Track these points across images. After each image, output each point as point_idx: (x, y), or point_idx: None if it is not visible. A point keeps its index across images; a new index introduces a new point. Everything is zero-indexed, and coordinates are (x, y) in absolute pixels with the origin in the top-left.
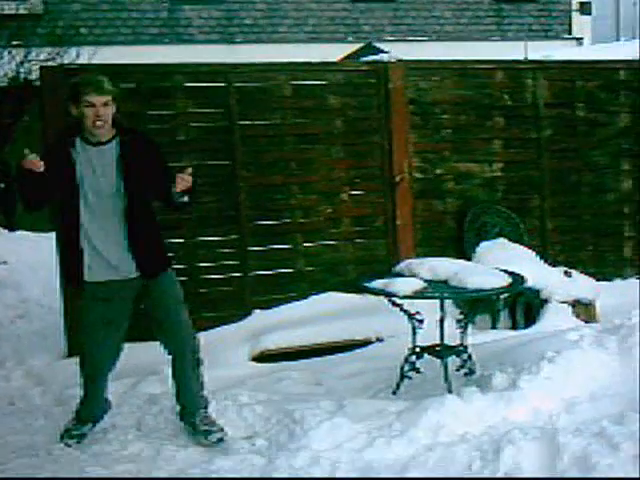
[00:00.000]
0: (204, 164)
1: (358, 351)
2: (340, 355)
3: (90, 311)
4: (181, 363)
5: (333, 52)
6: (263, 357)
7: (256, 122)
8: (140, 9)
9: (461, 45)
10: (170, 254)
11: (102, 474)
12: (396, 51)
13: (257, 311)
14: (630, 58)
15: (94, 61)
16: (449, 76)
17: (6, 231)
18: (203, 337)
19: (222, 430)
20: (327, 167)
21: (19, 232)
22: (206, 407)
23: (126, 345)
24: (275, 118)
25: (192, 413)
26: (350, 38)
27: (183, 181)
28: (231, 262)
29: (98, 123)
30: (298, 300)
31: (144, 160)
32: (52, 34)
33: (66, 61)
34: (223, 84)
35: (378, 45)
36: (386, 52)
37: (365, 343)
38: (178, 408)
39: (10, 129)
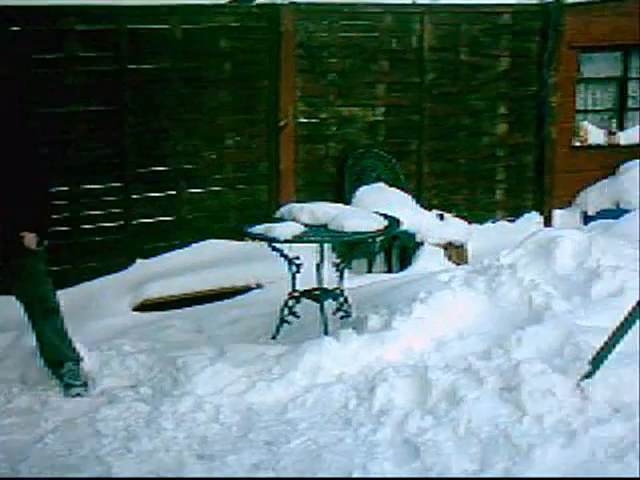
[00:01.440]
0: (90, 110)
1: (239, 298)
2: (221, 302)
3: None
4: (30, 314)
5: None
6: (145, 306)
7: (145, 66)
8: None
9: None
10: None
11: None
12: None
13: (139, 260)
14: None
15: None
16: (339, 19)
17: None
18: (86, 287)
19: (84, 385)
20: (214, 112)
21: None
22: (72, 359)
23: (9, 298)
24: (165, 61)
25: (56, 364)
26: None
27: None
28: (115, 210)
29: None
30: (181, 248)
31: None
32: None
33: None
34: (114, 26)
35: None
36: None
37: (245, 289)
38: (42, 358)
39: None
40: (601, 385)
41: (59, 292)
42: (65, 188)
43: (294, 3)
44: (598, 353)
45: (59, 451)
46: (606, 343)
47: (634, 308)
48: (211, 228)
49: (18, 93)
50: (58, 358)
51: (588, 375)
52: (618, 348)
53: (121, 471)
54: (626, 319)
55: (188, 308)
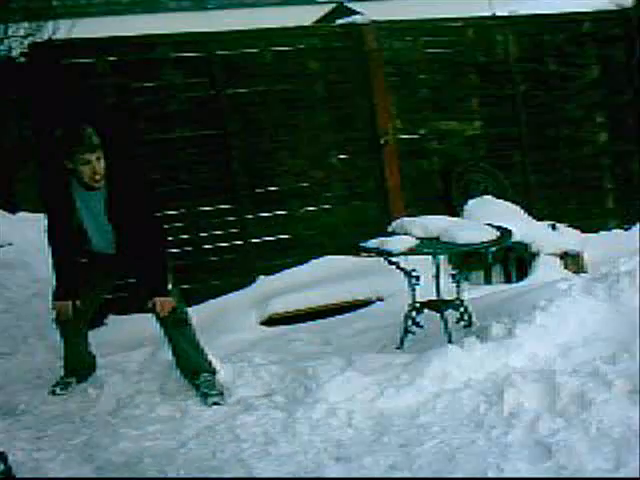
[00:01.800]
0: (197, 135)
1: (361, 311)
2: (344, 316)
3: None
4: (163, 326)
5: (306, 14)
6: (272, 321)
7: (241, 90)
8: None
9: (432, 1)
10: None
11: (135, 435)
12: (367, 11)
13: (262, 277)
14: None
15: (74, 35)
16: (421, 36)
17: (7, 213)
18: (213, 304)
19: (220, 394)
20: (314, 131)
21: (20, 214)
22: (208, 371)
23: (143, 316)
24: (259, 85)
25: (192, 374)
26: None
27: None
28: (231, 230)
29: (97, 178)
30: (299, 265)
31: (129, 204)
32: (26, 8)
33: (45, 36)
34: (206, 54)
35: (349, 5)
36: (359, 13)
37: (367, 303)
38: (179, 369)
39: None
40: None
41: (188, 309)
42: (182, 210)
43: (375, 22)
44: None
45: (203, 455)
46: None
47: None
48: (327, 244)
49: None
50: (194, 368)
51: None
52: None
53: (262, 472)
54: None
55: (313, 322)
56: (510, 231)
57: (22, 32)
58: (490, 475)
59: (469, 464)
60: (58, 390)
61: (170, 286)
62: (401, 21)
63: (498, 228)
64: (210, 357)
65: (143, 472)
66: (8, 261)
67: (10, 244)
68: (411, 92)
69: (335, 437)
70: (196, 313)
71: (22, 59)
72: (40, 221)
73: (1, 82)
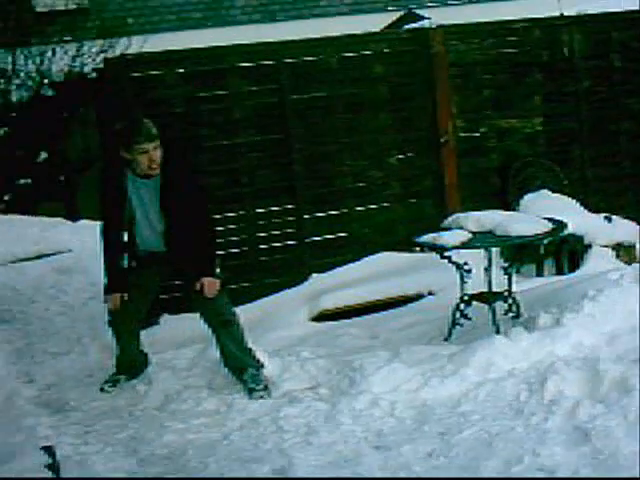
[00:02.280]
0: (260, 140)
1: (411, 305)
2: (394, 310)
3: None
4: (210, 326)
5: (374, 22)
6: (322, 317)
7: (306, 95)
8: None
9: (501, 5)
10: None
11: (180, 428)
12: (435, 17)
13: (314, 275)
14: None
15: (145, 49)
16: (487, 37)
17: (69, 222)
18: (265, 302)
19: (266, 388)
20: (375, 133)
21: (81, 221)
22: (254, 367)
23: (195, 315)
24: (324, 90)
25: (239, 371)
26: (390, 7)
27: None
28: (289, 230)
29: (154, 166)
30: (353, 262)
31: (181, 195)
32: (101, 27)
33: (117, 52)
34: (274, 62)
35: (418, 12)
36: (427, 18)
37: (417, 297)
38: (225, 365)
39: (68, 122)
40: None
41: (241, 307)
42: (242, 212)
43: (442, 26)
44: None
45: (245, 446)
46: None
47: None
48: (381, 242)
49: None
50: (240, 366)
51: None
52: None
53: (302, 462)
54: None
55: (362, 317)
56: (564, 223)
57: (95, 49)
58: (526, 460)
59: (506, 450)
60: (107, 387)
61: (218, 270)
62: (467, 24)
63: (552, 221)
64: (257, 354)
65: (185, 463)
66: (66, 267)
67: (70, 250)
68: (474, 92)
69: (376, 427)
70: (249, 311)
71: (94, 75)
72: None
73: (72, 98)
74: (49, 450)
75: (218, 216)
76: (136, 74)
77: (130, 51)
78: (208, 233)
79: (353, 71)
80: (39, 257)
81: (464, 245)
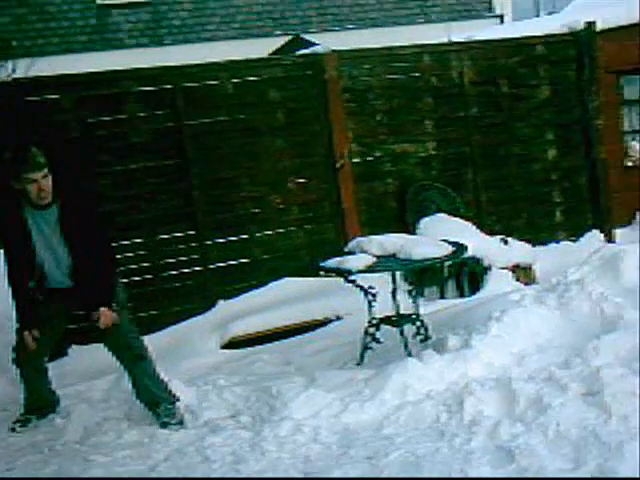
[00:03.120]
0: (157, 165)
1: (319, 330)
2: (304, 335)
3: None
4: (122, 361)
5: (262, 47)
6: (232, 344)
7: (203, 120)
8: (68, 18)
9: (386, 31)
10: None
11: (104, 461)
12: (324, 41)
13: (221, 301)
14: (551, 32)
15: (32, 73)
16: (379, 63)
17: None
18: (174, 330)
19: (180, 423)
20: (273, 158)
21: None
22: (168, 401)
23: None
24: (220, 115)
25: (153, 405)
26: (278, 32)
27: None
28: (192, 256)
29: (42, 195)
30: (258, 288)
31: (80, 218)
32: None
33: (2, 75)
34: (169, 86)
35: (306, 37)
36: (316, 44)
37: (325, 322)
38: (138, 399)
39: None
40: None
41: (149, 337)
42: (142, 240)
43: (335, 51)
44: None
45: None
46: None
47: None
48: (285, 267)
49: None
50: (154, 400)
51: None
52: None
53: None
54: None
55: (273, 343)
56: (464, 246)
57: None
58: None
59: (434, 471)
60: (18, 427)
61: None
62: (360, 49)
63: (453, 243)
64: (170, 386)
65: None
66: None
67: None
68: (367, 117)
69: (303, 453)
70: (158, 339)
71: None
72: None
73: None
74: None
75: (122, 242)
76: (30, 98)
77: (17, 75)
78: (106, 262)
79: (249, 96)
80: None
81: (369, 269)
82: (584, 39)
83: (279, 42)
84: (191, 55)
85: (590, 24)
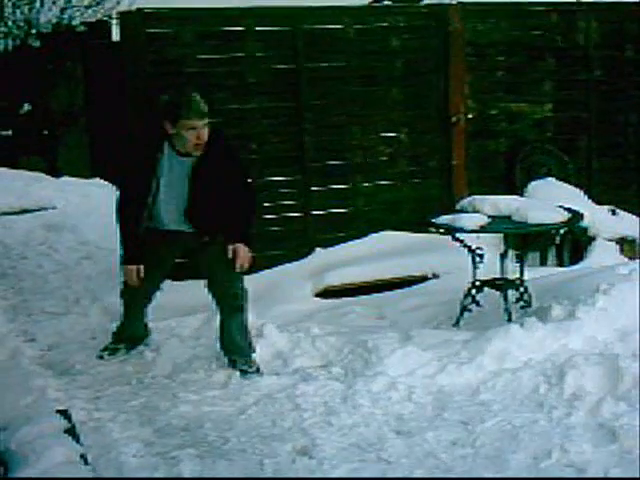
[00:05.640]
0: (271, 106)
1: (416, 287)
2: (399, 291)
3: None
4: (221, 307)
5: None
6: (326, 293)
7: (321, 64)
8: None
9: None
10: None
11: (194, 399)
12: None
13: (319, 249)
14: None
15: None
16: (505, 18)
17: (51, 177)
18: (269, 274)
19: (257, 371)
20: (387, 108)
21: (63, 178)
22: (248, 355)
23: (198, 283)
24: (339, 60)
25: (232, 353)
26: None
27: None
28: (295, 202)
29: (199, 144)
30: (357, 238)
31: (217, 175)
32: None
33: (107, 6)
34: (291, 28)
35: None
36: None
37: (422, 279)
38: (220, 343)
39: (53, 76)
40: None
41: (248, 277)
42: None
43: (461, 3)
44: None
45: (263, 423)
46: None
47: None
48: (386, 220)
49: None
50: (235, 350)
51: None
52: None
53: (324, 442)
54: None
55: (368, 296)
56: (580, 213)
57: (85, 2)
58: (555, 455)
59: (533, 443)
60: (106, 355)
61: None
62: (487, 3)
63: (568, 210)
64: (266, 327)
65: (203, 437)
66: (54, 223)
67: (54, 207)
68: (487, 73)
69: (396, 411)
70: (254, 282)
71: (82, 28)
72: (82, 186)
73: (59, 50)
74: (65, 414)
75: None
76: (152, 30)
77: (121, 8)
78: (251, 207)
79: (370, 43)
80: (24, 212)
81: (483, 229)
82: None
83: None
84: None
85: None
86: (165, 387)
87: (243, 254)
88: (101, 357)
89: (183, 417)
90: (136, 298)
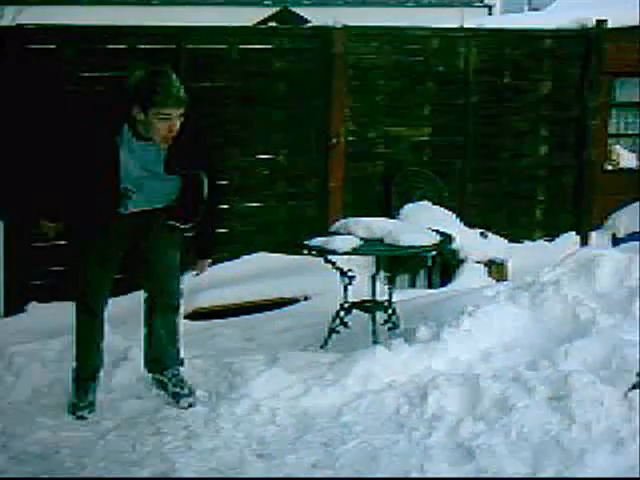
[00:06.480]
0: None
1: (286, 309)
2: (269, 313)
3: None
4: (154, 307)
5: (249, 16)
6: (195, 315)
7: (203, 84)
8: None
9: (374, 11)
10: None
11: (52, 424)
12: (311, 16)
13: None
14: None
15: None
16: (387, 42)
17: None
18: (137, 295)
19: (191, 393)
20: (267, 130)
21: None
22: (176, 364)
23: (63, 305)
24: (222, 80)
25: (161, 366)
26: (267, 1)
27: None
28: None
29: (170, 136)
30: (232, 260)
31: (186, 157)
32: None
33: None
34: (174, 46)
35: (294, 10)
36: (303, 18)
37: (292, 301)
38: (145, 359)
39: None
40: None
41: (114, 299)
42: None
43: (346, 26)
44: None
45: (122, 447)
46: None
47: None
48: (261, 241)
49: None
50: (165, 360)
51: (636, 386)
52: None
53: (184, 467)
54: None
55: (237, 318)
56: (451, 236)
57: None
58: (413, 475)
59: (392, 464)
60: (86, 414)
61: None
62: (371, 27)
63: (438, 232)
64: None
65: (60, 463)
66: None
67: None
68: (368, 96)
69: (258, 434)
70: (118, 304)
71: None
72: None
73: None
74: None
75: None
76: (33, 46)
77: (3, 23)
78: (216, 208)
79: (253, 64)
80: None
81: (354, 251)
82: (593, 37)
83: (267, 12)
84: (177, 17)
85: (600, 22)
86: (23, 412)
87: (203, 268)
88: (82, 417)
89: (40, 443)
90: (95, 321)
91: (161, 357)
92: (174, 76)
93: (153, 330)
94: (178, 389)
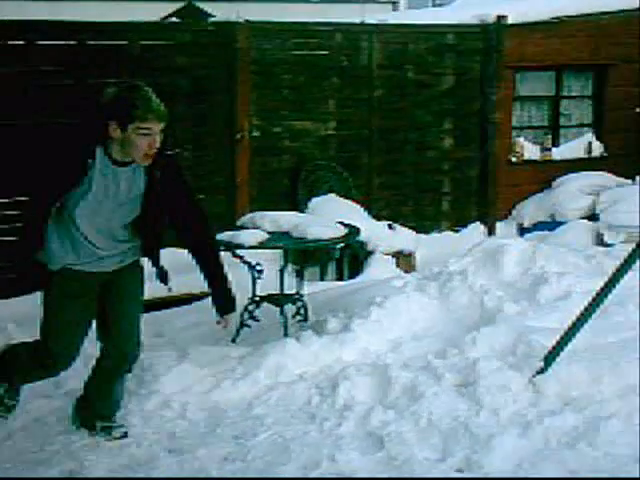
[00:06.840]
0: (50, 122)
1: (196, 304)
2: (178, 308)
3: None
4: (113, 355)
5: (153, 10)
6: None
7: (105, 80)
8: None
9: (273, 6)
10: None
11: None
12: (216, 11)
13: None
14: (461, 22)
15: None
16: (291, 38)
17: None
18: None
19: (122, 426)
20: (170, 125)
21: None
22: (112, 416)
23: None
24: (123, 76)
25: (98, 417)
26: None
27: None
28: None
29: (149, 156)
30: None
31: (168, 191)
32: None
33: None
34: (76, 42)
35: (198, 5)
36: (208, 14)
37: (201, 296)
38: (78, 403)
39: None
40: (553, 380)
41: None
42: None
43: (249, 21)
44: (550, 351)
45: (30, 447)
46: (558, 342)
47: (585, 309)
48: (169, 237)
49: None
50: (104, 413)
51: (541, 371)
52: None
53: (94, 464)
54: (578, 319)
55: (145, 314)
56: (357, 228)
57: None
58: (324, 465)
59: (303, 455)
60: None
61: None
62: (274, 23)
63: (345, 225)
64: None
65: None
66: None
67: None
68: (273, 91)
69: (168, 429)
70: (19, 303)
71: None
72: None
73: None
74: None
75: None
76: None
77: None
78: (217, 259)
79: (155, 60)
80: None
81: (261, 245)
82: (493, 32)
83: (172, 7)
84: (80, 13)
85: (500, 17)
86: None
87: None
88: None
89: None
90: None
91: (101, 412)
92: (150, 89)
93: (107, 389)
94: (110, 423)
